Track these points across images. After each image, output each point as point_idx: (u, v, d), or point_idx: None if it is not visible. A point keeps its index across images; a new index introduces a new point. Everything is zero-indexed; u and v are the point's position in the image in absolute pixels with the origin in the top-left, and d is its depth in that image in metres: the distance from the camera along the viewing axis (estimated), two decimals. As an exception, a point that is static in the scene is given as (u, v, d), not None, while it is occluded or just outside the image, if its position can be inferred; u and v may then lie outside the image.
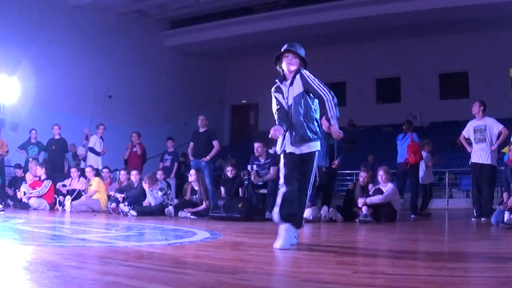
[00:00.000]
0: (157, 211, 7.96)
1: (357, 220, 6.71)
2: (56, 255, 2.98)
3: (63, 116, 12.48)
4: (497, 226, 5.86)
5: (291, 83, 3.65)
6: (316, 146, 3.67)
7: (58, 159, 10.59)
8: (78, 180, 9.45)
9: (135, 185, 8.67)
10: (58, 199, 9.32)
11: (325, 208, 7.07)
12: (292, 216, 3.56)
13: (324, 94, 3.57)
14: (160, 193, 8.21)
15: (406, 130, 8.54)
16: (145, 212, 7.88)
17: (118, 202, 8.40)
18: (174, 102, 17.89)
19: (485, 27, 16.13)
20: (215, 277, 2.39)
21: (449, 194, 12.72)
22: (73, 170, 9.75)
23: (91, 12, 14.59)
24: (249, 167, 7.96)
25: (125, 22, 16.01)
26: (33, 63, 11.83)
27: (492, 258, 3.28)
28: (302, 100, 3.61)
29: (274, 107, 3.77)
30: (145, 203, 8.23)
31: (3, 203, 8.54)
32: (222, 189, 7.98)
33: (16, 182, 10.34)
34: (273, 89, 3.78)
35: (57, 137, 10.67)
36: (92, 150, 10.53)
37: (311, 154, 3.66)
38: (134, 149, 10.50)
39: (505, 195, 6.48)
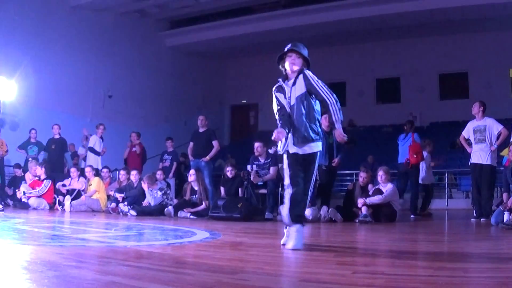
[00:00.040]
0: (157, 211, 7.96)
1: (357, 220, 6.71)
2: (56, 255, 2.98)
3: (63, 116, 12.48)
4: (496, 226, 5.86)
5: (294, 83, 3.63)
6: (318, 146, 3.67)
7: (58, 159, 10.59)
8: (78, 180, 9.45)
9: (135, 185, 8.67)
10: (57, 199, 9.31)
11: (324, 208, 7.07)
12: (302, 217, 3.58)
13: (328, 98, 3.57)
14: (159, 193, 8.21)
15: (407, 130, 8.53)
16: (144, 212, 7.88)
17: (117, 202, 8.39)
18: (174, 102, 17.89)
19: (485, 27, 16.14)
20: (215, 277, 2.39)
21: (449, 194, 12.72)
22: (72, 169, 9.75)
23: (91, 12, 14.59)
24: (248, 167, 7.97)
25: (125, 22, 16.01)
26: (33, 63, 11.84)
27: (492, 259, 3.27)
28: (305, 101, 3.60)
29: (275, 107, 3.76)
30: (145, 203, 8.23)
31: (2, 203, 8.54)
32: (222, 189, 7.98)
33: (16, 182, 10.34)
34: (274, 88, 3.76)
35: (57, 136, 10.67)
36: (92, 150, 10.53)
37: (313, 155, 3.66)
38: (134, 149, 10.50)
39: (504, 195, 6.48)
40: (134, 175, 8.83)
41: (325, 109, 3.63)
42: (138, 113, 16.00)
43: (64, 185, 9.44)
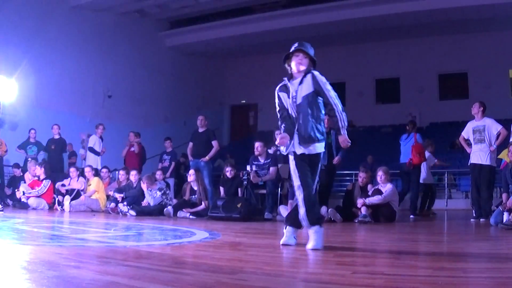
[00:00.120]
0: (156, 211, 7.96)
1: (356, 221, 6.71)
2: (55, 255, 2.98)
3: (62, 115, 12.48)
4: (496, 226, 5.86)
5: (301, 82, 3.61)
6: (322, 147, 3.66)
7: (57, 159, 10.59)
8: (77, 180, 9.44)
9: (134, 185, 8.67)
10: (57, 199, 9.31)
11: (324, 208, 7.06)
12: (320, 219, 3.57)
13: (334, 104, 3.57)
14: (159, 193, 8.21)
15: (409, 131, 8.52)
16: (144, 212, 7.88)
17: (117, 202, 8.39)
18: (174, 102, 17.89)
19: (485, 27, 16.15)
20: (214, 277, 2.39)
21: (448, 194, 12.73)
22: (72, 169, 9.74)
23: (90, 12, 14.59)
24: (248, 167, 7.96)
25: (125, 22, 16.01)
26: (33, 63, 11.82)
27: (491, 259, 3.28)
28: (312, 100, 3.58)
29: (277, 107, 3.76)
30: (144, 203, 8.23)
31: (2, 203, 8.54)
32: (221, 189, 7.98)
33: (15, 182, 10.35)
34: (278, 87, 3.74)
35: (56, 136, 10.67)
36: (91, 150, 10.53)
37: (318, 155, 3.66)
38: (132, 149, 10.50)
39: (504, 195, 6.48)
40: (133, 175, 8.83)
41: (330, 113, 3.62)
42: (137, 113, 16.00)
43: (63, 185, 9.43)
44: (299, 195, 3.53)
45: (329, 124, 6.26)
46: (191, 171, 8.10)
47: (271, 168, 7.87)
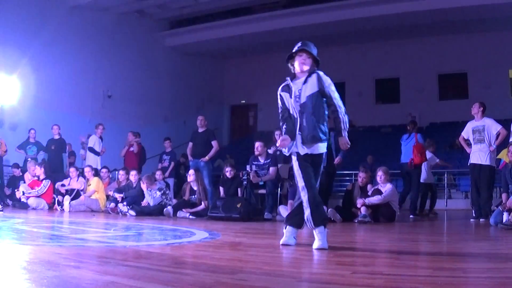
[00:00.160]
0: (156, 211, 7.96)
1: (356, 221, 6.71)
2: (55, 255, 2.98)
3: (62, 115, 12.47)
4: (495, 227, 5.86)
5: (305, 81, 3.60)
6: (324, 147, 3.66)
7: (57, 159, 10.58)
8: (77, 180, 9.44)
9: (134, 185, 8.67)
10: (57, 199, 9.31)
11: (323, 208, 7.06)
12: (325, 220, 3.58)
13: (339, 106, 3.59)
14: (158, 193, 8.21)
15: (410, 131, 8.51)
16: (144, 212, 7.88)
17: (117, 202, 8.39)
18: (174, 102, 17.89)
19: (485, 27, 16.15)
20: (214, 277, 2.39)
21: (448, 195, 12.73)
22: (72, 169, 9.74)
23: (90, 12, 14.59)
24: (248, 167, 7.96)
25: (125, 22, 16.00)
26: (33, 63, 11.81)
27: (491, 259, 3.28)
28: (316, 100, 3.58)
29: (280, 107, 3.75)
30: (144, 203, 8.23)
31: (2, 203, 8.53)
32: (221, 189, 7.98)
33: (14, 182, 10.34)
34: (280, 88, 3.74)
35: (56, 137, 10.66)
36: (91, 150, 10.53)
37: (320, 155, 3.66)
38: (131, 149, 10.50)
39: (503, 196, 6.48)
40: (133, 175, 8.83)
41: (333, 114, 3.62)
42: (137, 113, 15.98)
43: (63, 185, 9.44)
44: (304, 196, 3.52)
45: (330, 125, 6.26)
46: (191, 171, 8.10)
47: (271, 168, 7.87)
